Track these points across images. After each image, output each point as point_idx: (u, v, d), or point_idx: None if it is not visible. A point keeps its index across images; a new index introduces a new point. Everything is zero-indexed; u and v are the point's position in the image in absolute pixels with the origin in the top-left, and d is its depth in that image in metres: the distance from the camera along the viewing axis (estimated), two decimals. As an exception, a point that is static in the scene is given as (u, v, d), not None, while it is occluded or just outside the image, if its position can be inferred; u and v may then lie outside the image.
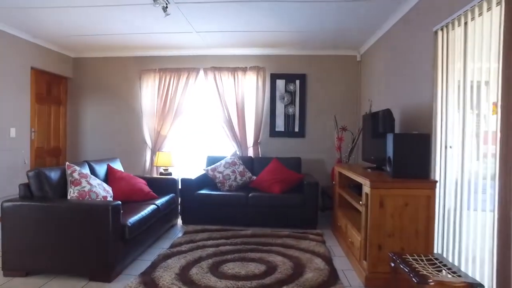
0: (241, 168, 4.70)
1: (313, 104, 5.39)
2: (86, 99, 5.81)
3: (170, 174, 4.99)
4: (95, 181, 3.25)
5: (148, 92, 5.48)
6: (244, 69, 5.30)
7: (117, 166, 4.18)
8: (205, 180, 4.68)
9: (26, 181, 3.04)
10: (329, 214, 4.78)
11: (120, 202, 2.82)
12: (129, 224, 2.92)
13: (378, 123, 3.54)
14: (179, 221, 4.49)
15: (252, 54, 5.39)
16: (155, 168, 5.37)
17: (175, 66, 5.42)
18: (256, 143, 5.30)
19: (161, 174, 5.01)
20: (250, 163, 4.95)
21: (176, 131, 5.44)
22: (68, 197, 3.02)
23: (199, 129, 5.55)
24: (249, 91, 5.29)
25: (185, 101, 5.35)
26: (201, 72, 5.34)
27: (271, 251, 3.39)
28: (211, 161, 4.93)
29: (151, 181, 4.22)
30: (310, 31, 4.44)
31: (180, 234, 3.99)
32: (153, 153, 5.38)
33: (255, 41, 4.94)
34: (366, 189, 2.78)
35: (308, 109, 5.39)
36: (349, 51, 5.33)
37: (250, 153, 5.30)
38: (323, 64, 5.37)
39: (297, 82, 5.34)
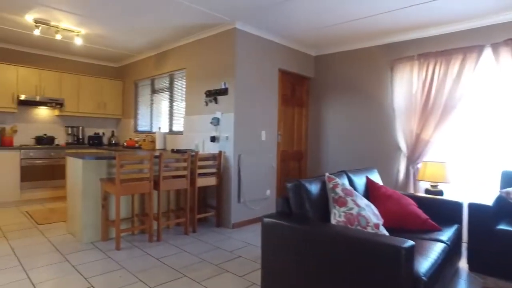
0: None
1: None
2: (327, 100, 5.31)
3: (440, 193, 3.72)
4: (362, 201, 2.44)
5: (403, 85, 4.38)
6: None
7: (375, 178, 3.31)
8: (504, 208, 3.16)
9: (273, 185, 2.54)
10: None
11: (413, 243, 1.86)
12: (423, 278, 1.92)
13: None
14: (463, 264, 3.17)
15: None
16: (417, 183, 4.19)
17: (441, 49, 4.10)
18: None
19: (426, 192, 3.81)
20: None
21: (444, 135, 4.06)
22: (332, 221, 2.33)
23: (484, 132, 3.91)
24: None
25: (459, 95, 3.91)
26: (487, 50, 3.78)
27: None
28: (509, 178, 3.33)
29: (420, 202, 3.10)
30: None
31: None
32: (410, 162, 4.24)
33: None
34: None
35: None
36: None
37: None
38: None
39: None
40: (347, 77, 5.07)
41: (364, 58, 4.86)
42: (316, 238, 2.11)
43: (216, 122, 4.39)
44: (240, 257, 3.32)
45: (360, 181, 3.04)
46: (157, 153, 3.82)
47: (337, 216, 2.31)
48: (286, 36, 4.73)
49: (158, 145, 5.32)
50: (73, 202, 3.85)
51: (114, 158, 3.46)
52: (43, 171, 5.54)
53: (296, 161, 5.37)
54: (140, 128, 6.31)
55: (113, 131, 6.82)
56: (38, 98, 5.69)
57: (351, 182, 2.93)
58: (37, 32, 4.61)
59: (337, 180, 2.56)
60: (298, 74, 5.25)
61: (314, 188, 2.49)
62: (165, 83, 5.63)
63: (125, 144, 5.90)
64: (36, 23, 4.50)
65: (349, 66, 5.04)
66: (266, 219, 2.41)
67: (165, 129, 5.54)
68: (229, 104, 4.31)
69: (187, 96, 5.01)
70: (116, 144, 6.67)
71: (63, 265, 3.01)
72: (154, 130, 5.87)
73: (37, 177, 5.49)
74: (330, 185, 2.51)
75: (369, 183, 3.08)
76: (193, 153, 4.03)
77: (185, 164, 3.89)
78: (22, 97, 5.53)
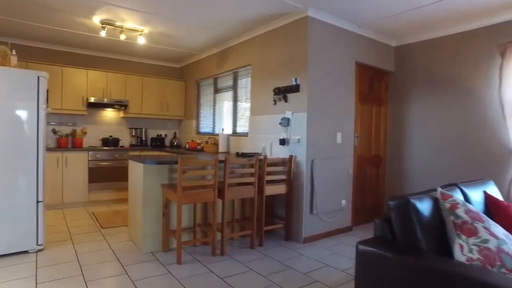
0: None
1: None
2: (411, 96, 4.56)
3: None
4: (497, 230, 1.78)
5: (517, 75, 3.53)
6: None
7: (494, 192, 2.58)
8: None
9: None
10: None
11: None
12: None
13: None
14: None
15: None
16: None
17: None
18: None
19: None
20: None
21: None
22: (459, 256, 1.70)
23: None
24: None
25: None
26: None
27: None
28: None
29: None
30: None
31: None
32: (530, 171, 3.38)
33: None
34: None
35: None
36: None
37: None
38: None
39: None
40: (436, 69, 4.28)
41: (460, 44, 4.05)
42: (438, 282, 1.52)
43: (286, 122, 3.91)
44: (317, 282, 2.80)
45: (476, 197, 2.36)
46: (221, 157, 3.45)
47: (466, 251, 1.68)
48: (363, 24, 4.10)
49: (221, 147, 4.99)
50: (134, 208, 3.63)
51: (176, 162, 3.15)
52: (108, 172, 5.52)
53: (374, 168, 4.70)
54: (202, 129, 6.08)
55: (175, 133, 6.68)
56: (105, 100, 5.71)
57: (466, 199, 2.26)
58: (103, 33, 4.55)
59: (455, 197, 1.92)
60: (376, 67, 4.58)
61: (425, 207, 1.89)
62: (228, 81, 5.30)
63: (187, 146, 5.69)
64: (102, 24, 4.43)
65: (439, 56, 4.25)
66: (362, 247, 1.87)
67: (228, 130, 5.21)
68: (301, 102, 3.81)
69: (253, 94, 4.61)
70: (178, 146, 6.52)
71: (122, 279, 2.74)
72: (216, 131, 5.58)
73: (103, 178, 5.48)
74: (446, 205, 1.89)
75: (490, 201, 2.38)
76: (261, 158, 3.60)
77: (252, 170, 3.47)
78: (92, 99, 5.57)
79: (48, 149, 5.07)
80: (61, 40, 5.35)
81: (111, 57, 6.19)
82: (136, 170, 3.52)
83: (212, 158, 3.28)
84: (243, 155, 4.11)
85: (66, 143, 5.48)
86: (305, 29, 3.78)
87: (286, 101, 3.99)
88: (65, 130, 5.72)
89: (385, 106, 4.79)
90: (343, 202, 4.11)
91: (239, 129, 5.01)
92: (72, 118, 5.79)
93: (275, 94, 4.14)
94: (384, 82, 4.77)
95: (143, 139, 6.35)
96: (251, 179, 3.47)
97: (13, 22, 4.50)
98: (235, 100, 5.11)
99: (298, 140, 3.81)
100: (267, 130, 4.28)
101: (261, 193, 3.60)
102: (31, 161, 3.27)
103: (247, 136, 4.69)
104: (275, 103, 4.16)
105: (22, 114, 3.23)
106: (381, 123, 4.77)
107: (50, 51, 5.65)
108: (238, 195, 3.44)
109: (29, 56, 5.36)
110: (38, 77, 3.31)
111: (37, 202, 3.33)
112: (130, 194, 3.79)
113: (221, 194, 3.33)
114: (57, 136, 5.51)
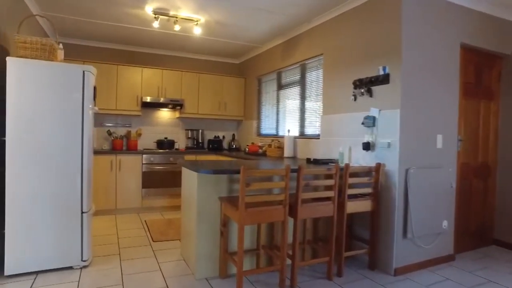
0: None
1: None
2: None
3: None
4: None
5: None
6: None
7: None
8: None
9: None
10: None
11: None
12: None
13: None
14: None
15: None
16: None
17: None
18: None
19: None
20: None
21: None
22: None
23: None
24: None
25: None
26: None
27: None
28: None
29: None
30: None
31: None
32: None
33: None
34: None
35: None
36: None
37: None
38: None
39: None
40: None
41: None
42: None
43: (370, 122, 3.12)
44: None
45: None
46: (293, 165, 2.76)
47: None
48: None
49: (287, 152, 4.31)
50: (187, 221, 3.09)
51: (237, 172, 2.54)
52: (162, 177, 5.12)
53: (481, 180, 3.69)
54: (263, 131, 5.45)
55: (233, 134, 6.14)
56: (161, 100, 5.34)
57: None
58: (156, 24, 4.13)
59: None
60: (488, 51, 3.58)
61: None
62: (294, 75, 4.61)
63: (247, 149, 5.09)
64: (155, 14, 4.00)
65: None
66: None
67: (294, 132, 4.51)
68: (392, 96, 2.99)
69: (326, 89, 3.86)
70: (237, 149, 5.97)
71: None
72: (281, 133, 4.91)
73: (157, 183, 5.09)
74: None
75: None
76: (342, 166, 2.85)
77: (332, 182, 2.73)
78: (148, 99, 5.23)
79: (102, 152, 4.80)
80: (116, 38, 5.07)
81: (165, 54, 5.82)
82: (190, 179, 2.97)
83: (284, 166, 2.61)
84: (316, 162, 3.39)
85: (120, 145, 5.18)
86: (397, 3, 2.96)
87: (370, 95, 3.20)
88: (120, 131, 5.45)
89: (496, 101, 3.76)
90: (445, 223, 3.20)
91: (308, 131, 4.29)
92: (127, 119, 5.51)
93: (355, 88, 3.36)
94: (496, 69, 3.75)
95: (200, 141, 5.89)
96: (330, 193, 2.74)
97: (69, 20, 4.26)
98: (303, 96, 4.39)
99: (388, 145, 2.99)
100: (344, 132, 3.51)
101: (341, 210, 2.85)
102: (74, 167, 2.86)
103: (318, 138, 3.95)
104: (355, 99, 3.38)
105: (65, 113, 2.83)
106: (491, 122, 3.75)
107: (105, 50, 5.42)
108: (313, 213, 2.72)
109: (85, 55, 5.17)
110: (84, 72, 2.90)
111: (82, 212, 2.92)
112: (183, 205, 3.25)
113: (292, 211, 2.64)
114: (112, 138, 5.23)
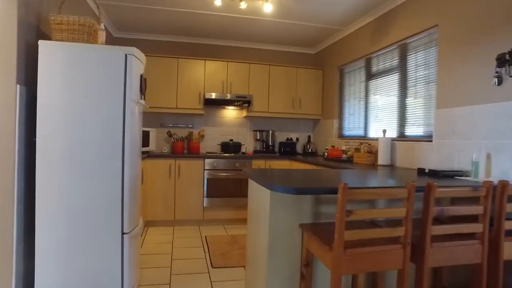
0: None
1: None
2: None
3: None
4: None
5: None
6: None
7: None
8: None
9: None
10: None
11: None
12: None
13: None
14: None
15: None
16: None
17: None
18: None
19: None
20: None
21: None
22: None
23: None
24: None
25: None
26: None
27: None
28: None
29: None
30: None
31: None
32: None
33: None
34: None
35: None
36: None
37: None
38: None
39: None
40: None
41: None
42: None
43: (535, 115, 2.03)
44: None
45: None
46: (418, 181, 1.80)
47: None
48: None
49: (382, 158, 3.30)
50: (253, 249, 2.29)
51: (332, 192, 1.67)
52: (227, 185, 4.43)
53: None
54: (347, 132, 4.47)
55: (309, 136, 5.25)
56: (228, 96, 4.67)
57: None
58: (218, 2, 3.44)
59: None
60: None
61: None
62: (391, 60, 3.59)
63: (326, 154, 4.16)
64: (218, -10, 3.32)
65: None
66: None
67: (392, 133, 3.49)
68: None
69: (443, 73, 2.80)
70: (313, 154, 5.07)
71: None
72: (370, 135, 3.91)
73: (221, 192, 4.41)
74: None
75: None
76: (493, 184, 1.81)
77: (479, 210, 1.71)
78: (212, 95, 4.61)
79: (162, 156, 4.26)
80: (175, 29, 4.53)
81: (231, 45, 5.16)
82: (260, 196, 2.17)
83: (407, 184, 1.66)
84: (435, 174, 2.37)
85: (181, 148, 4.63)
86: None
87: (530, 74, 2.10)
88: (181, 132, 4.91)
89: None
90: None
91: (410, 131, 3.24)
92: (189, 119, 4.95)
93: (498, 66, 2.27)
94: None
95: (270, 144, 5.11)
96: (477, 228, 1.72)
97: (125, 8, 3.79)
98: (403, 86, 3.35)
99: None
100: (478, 132, 2.43)
101: (494, 254, 1.80)
102: (112, 175, 2.25)
103: (430, 141, 2.89)
104: (499, 82, 2.29)
105: (102, 107, 2.23)
106: None
107: (164, 43, 4.94)
108: (450, 258, 1.73)
109: (143, 50, 4.74)
110: (126, 56, 2.28)
111: (122, 233, 2.29)
112: (249, 228, 2.47)
113: (415, 255, 1.69)
114: (173, 140, 4.70)
